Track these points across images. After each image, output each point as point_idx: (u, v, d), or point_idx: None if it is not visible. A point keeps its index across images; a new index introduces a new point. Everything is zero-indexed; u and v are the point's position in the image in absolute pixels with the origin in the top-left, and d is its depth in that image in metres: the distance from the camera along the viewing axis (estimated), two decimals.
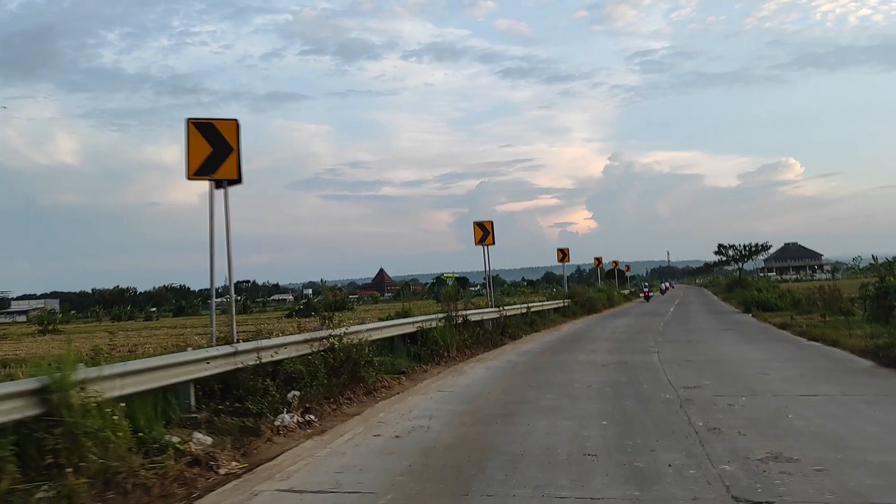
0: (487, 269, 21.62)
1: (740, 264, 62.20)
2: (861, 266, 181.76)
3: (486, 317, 19.62)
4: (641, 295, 55.28)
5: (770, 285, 39.62)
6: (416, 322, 14.24)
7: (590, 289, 40.64)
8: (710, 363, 12.92)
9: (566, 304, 32.05)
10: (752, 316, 28.38)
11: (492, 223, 21.36)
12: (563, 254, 34.24)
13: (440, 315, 15.58)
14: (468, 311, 17.17)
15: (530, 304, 25.13)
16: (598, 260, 45.48)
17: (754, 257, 62.10)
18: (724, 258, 63.85)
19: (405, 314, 15.10)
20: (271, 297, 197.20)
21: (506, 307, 21.72)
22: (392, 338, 13.89)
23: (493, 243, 21.41)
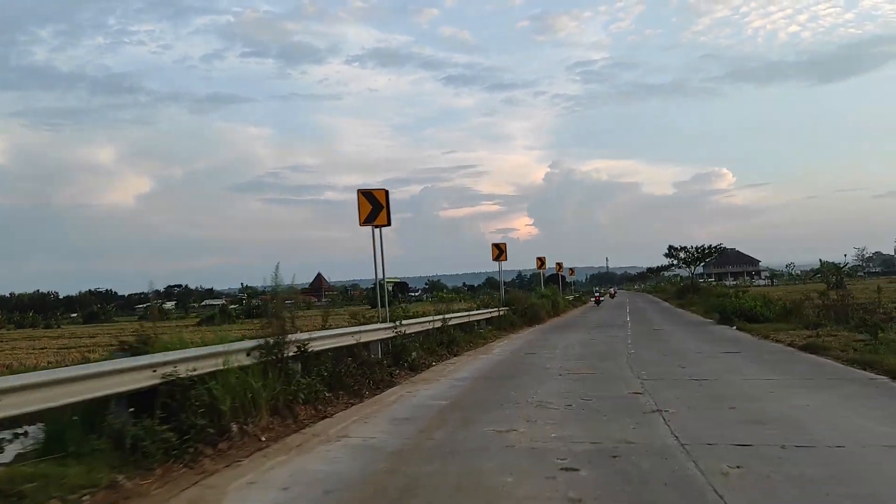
0: (379, 261, 13.98)
1: (692, 268, 56.56)
2: (794, 272, 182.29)
3: (368, 338, 11.99)
4: (592, 299, 56.78)
5: (738, 291, 33.32)
6: (166, 365, 6.46)
7: (532, 294, 33.57)
8: (817, 463, 5.62)
9: (502, 312, 24.74)
10: (738, 329, 21.66)
11: (386, 193, 13.77)
12: (500, 250, 26.94)
13: (248, 344, 7.87)
14: (316, 334, 9.49)
15: (449, 315, 17.64)
16: (541, 260, 38.49)
17: (707, 260, 56.35)
18: (674, 261, 58.05)
19: (141, 346, 7.05)
20: (203, 303, 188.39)
21: (407, 321, 14.18)
22: (108, 400, 6.14)
23: (389, 223, 13.83)
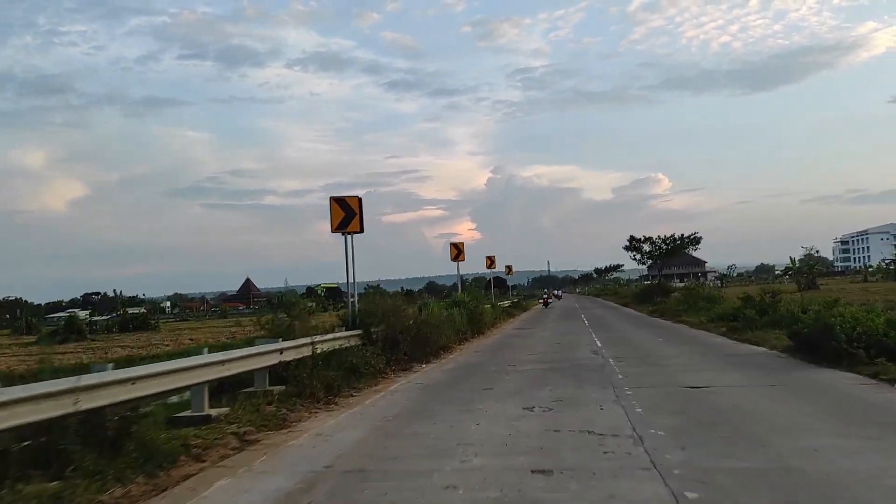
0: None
1: (659, 263, 43.67)
2: (734, 273, 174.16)
3: None
4: (540, 301, 54.70)
5: (767, 296, 19.78)
6: None
7: (434, 302, 19.22)
8: None
9: (345, 344, 10.36)
10: None
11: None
12: (344, 211, 12.59)
13: None
14: None
15: None
16: (457, 248, 24.03)
17: (680, 253, 43.09)
18: (636, 255, 44.78)
19: None
20: (118, 312, 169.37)
21: None
22: None
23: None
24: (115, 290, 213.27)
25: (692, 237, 41.04)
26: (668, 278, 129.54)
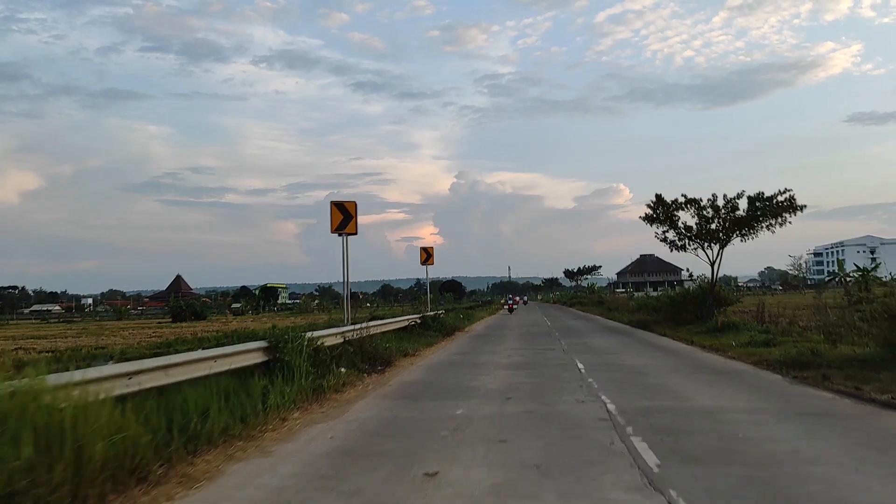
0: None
1: (720, 251, 22.07)
2: (703, 282, 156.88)
3: None
4: (505, 307, 54.22)
5: None
6: None
7: None
8: None
9: None
10: None
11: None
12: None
13: None
14: None
15: None
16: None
17: (777, 221, 21.01)
18: (664, 231, 22.84)
19: None
20: (30, 309, 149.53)
21: None
22: None
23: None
24: (64, 287, 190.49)
25: (785, 198, 20.07)
26: (640, 287, 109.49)
